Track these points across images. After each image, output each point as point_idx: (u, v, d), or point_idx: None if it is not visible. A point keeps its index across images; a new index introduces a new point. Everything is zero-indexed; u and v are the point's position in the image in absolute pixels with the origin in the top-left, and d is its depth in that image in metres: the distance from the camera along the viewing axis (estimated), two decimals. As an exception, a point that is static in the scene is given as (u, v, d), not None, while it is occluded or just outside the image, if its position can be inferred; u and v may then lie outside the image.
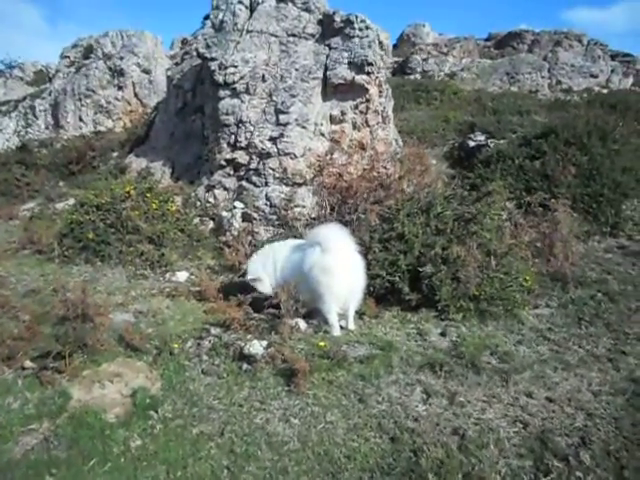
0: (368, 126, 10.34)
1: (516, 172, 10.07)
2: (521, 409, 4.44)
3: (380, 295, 6.54)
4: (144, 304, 7.17)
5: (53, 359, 5.65)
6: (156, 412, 4.85)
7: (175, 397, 5.06)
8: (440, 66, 26.73)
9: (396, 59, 28.28)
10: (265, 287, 6.56)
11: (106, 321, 6.51)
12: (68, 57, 22.47)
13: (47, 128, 19.53)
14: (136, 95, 19.04)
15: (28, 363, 5.85)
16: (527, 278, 6.65)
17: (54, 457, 4.42)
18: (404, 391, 4.72)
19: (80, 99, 19.02)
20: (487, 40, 31.56)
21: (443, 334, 5.85)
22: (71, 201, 11.55)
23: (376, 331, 6.00)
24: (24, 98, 23.58)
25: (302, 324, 6.01)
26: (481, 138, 12.97)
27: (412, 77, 25.74)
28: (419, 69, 26.75)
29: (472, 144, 12.90)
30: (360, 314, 6.34)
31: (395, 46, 32.19)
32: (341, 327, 5.94)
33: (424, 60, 27.13)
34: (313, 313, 6.16)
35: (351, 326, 6.00)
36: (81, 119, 18.77)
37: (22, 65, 33.27)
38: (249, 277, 6.76)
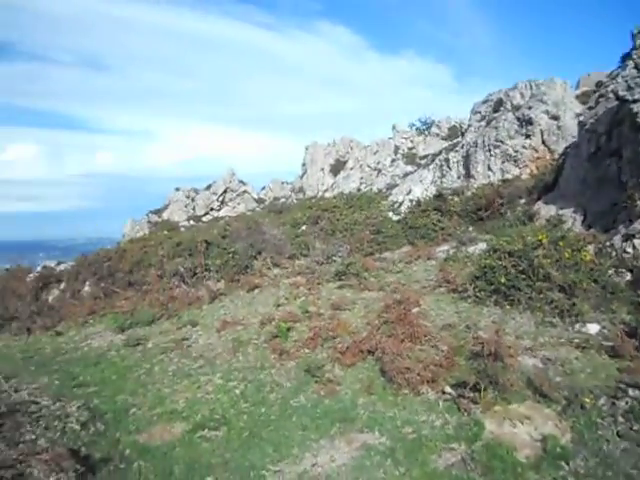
0: None
1: None
2: None
3: None
4: (552, 352, 7.22)
5: (469, 390, 6.31)
6: (567, 464, 4.85)
7: (586, 453, 4.95)
8: None
9: None
10: None
11: (515, 363, 6.85)
12: (479, 112, 24.41)
13: (459, 178, 21.61)
14: (543, 142, 19.19)
15: (448, 389, 6.67)
16: None
17: (471, 478, 4.92)
18: None
19: (489, 150, 20.38)
20: None
21: None
22: (481, 245, 12.49)
23: None
24: (440, 152, 26.72)
25: None
26: None
27: None
28: None
29: None
30: None
31: None
32: None
33: None
34: None
35: None
36: (489, 168, 20.06)
37: (438, 123, 37.78)
38: None
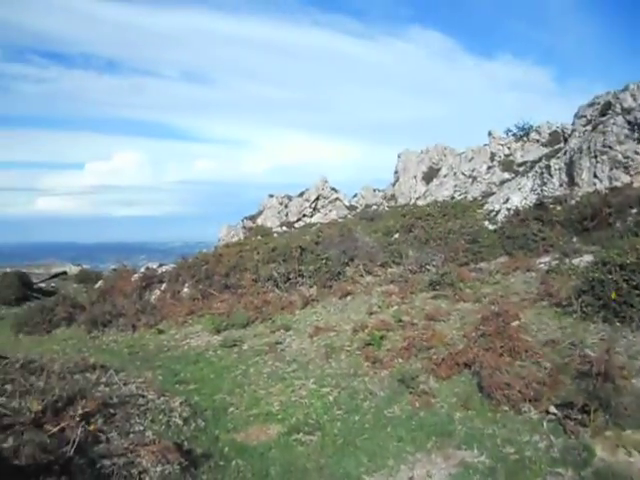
0: None
1: None
2: None
3: None
4: (671, 376, 6.63)
5: (577, 411, 5.92)
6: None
7: None
8: None
9: None
10: None
11: (628, 385, 6.36)
12: (584, 116, 23.01)
13: (561, 185, 20.46)
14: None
15: (552, 409, 6.29)
16: None
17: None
18: None
19: (595, 156, 19.13)
20: None
21: None
22: (587, 257, 11.75)
23: None
24: (540, 159, 25.44)
25: None
26: None
27: None
28: None
29: None
30: None
31: None
32: None
33: None
34: None
35: None
36: (596, 175, 18.82)
37: (538, 128, 36.02)
38: None
